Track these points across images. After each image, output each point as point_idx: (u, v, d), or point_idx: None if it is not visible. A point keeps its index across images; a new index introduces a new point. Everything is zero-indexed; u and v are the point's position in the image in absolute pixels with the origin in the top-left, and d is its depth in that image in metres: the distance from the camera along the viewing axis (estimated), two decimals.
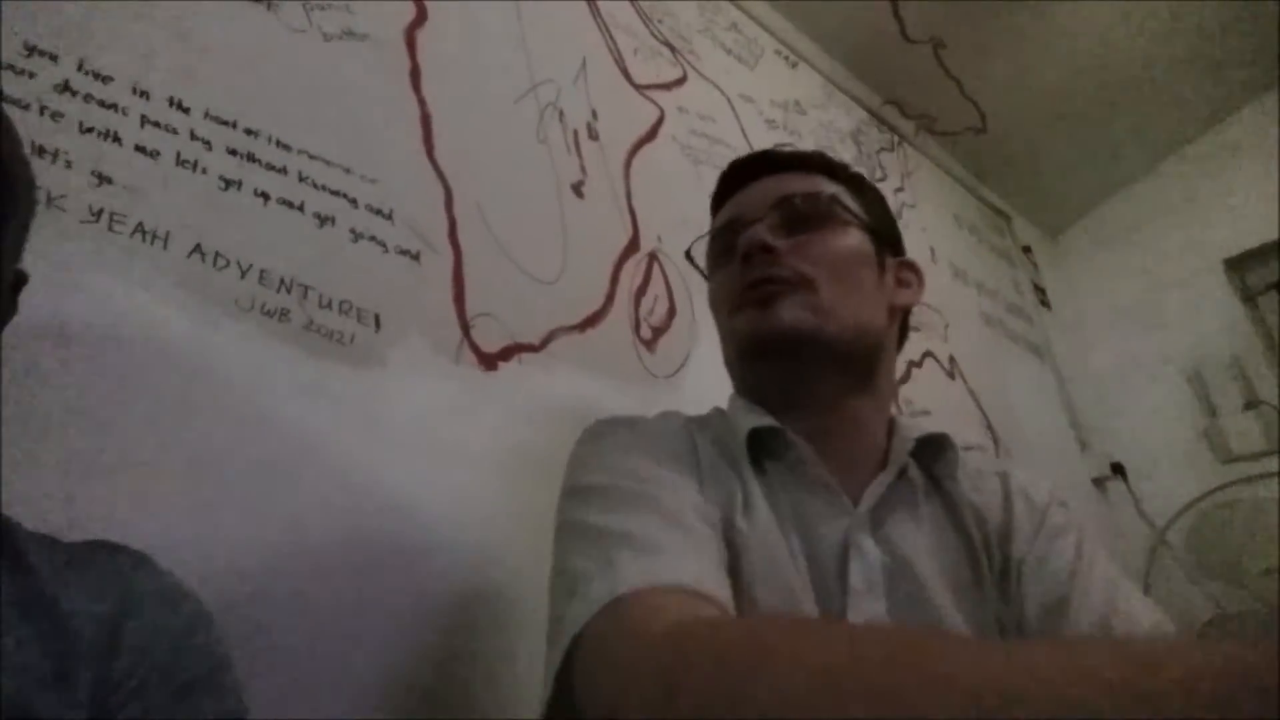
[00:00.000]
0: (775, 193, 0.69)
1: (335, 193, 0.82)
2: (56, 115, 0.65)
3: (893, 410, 0.71)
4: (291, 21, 0.86)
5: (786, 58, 1.77)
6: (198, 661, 0.46)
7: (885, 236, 0.72)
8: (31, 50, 0.66)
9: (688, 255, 0.78)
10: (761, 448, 0.62)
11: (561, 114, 1.14)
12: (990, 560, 0.62)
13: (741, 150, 1.46)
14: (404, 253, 0.86)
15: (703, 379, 1.14)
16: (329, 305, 0.77)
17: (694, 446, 0.62)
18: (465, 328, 0.88)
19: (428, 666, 0.71)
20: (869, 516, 0.59)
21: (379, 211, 0.85)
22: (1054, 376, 2.16)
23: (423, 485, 0.77)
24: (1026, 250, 2.38)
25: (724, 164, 1.38)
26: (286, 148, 0.80)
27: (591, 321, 1.03)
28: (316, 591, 0.67)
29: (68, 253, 0.62)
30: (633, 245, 1.15)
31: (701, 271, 0.77)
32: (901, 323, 0.73)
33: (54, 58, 0.67)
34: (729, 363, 0.72)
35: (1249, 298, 2.17)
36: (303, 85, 0.84)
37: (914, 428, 0.67)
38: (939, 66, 1.99)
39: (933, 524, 0.63)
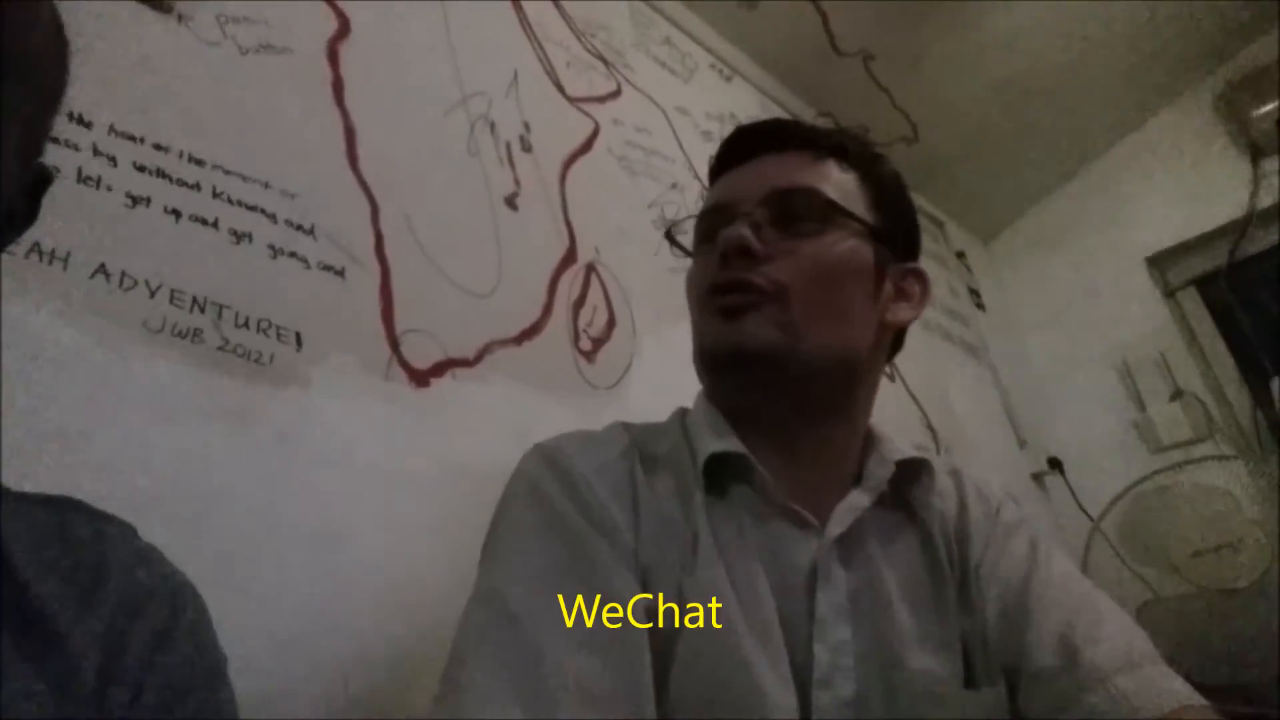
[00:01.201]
0: (770, 182, 0.61)
1: (252, 208, 0.79)
2: None
3: (870, 425, 0.66)
4: (204, 34, 0.83)
5: (721, 71, 1.79)
6: (201, 668, 0.43)
7: (893, 239, 0.64)
8: None
9: (668, 235, 0.72)
10: (724, 467, 0.58)
11: (493, 126, 1.13)
12: (951, 568, 0.60)
13: (679, 161, 1.47)
14: (327, 269, 0.83)
15: (645, 389, 1.13)
16: (245, 324, 0.74)
17: (634, 492, 0.56)
18: (394, 344, 0.85)
19: (364, 703, 0.69)
20: (837, 542, 0.56)
21: (300, 227, 0.82)
22: (991, 376, 2.21)
23: (350, 509, 0.74)
24: (960, 255, 2.44)
25: (661, 175, 1.41)
26: (200, 163, 0.77)
27: (528, 334, 1.01)
28: (239, 633, 0.64)
29: None
30: (570, 256, 1.14)
31: (685, 250, 0.69)
32: (895, 336, 0.67)
33: None
34: (695, 363, 0.65)
35: (1170, 293, 2.26)
36: (217, 99, 0.81)
37: (894, 449, 0.63)
38: (870, 79, 2.04)
39: (903, 547, 0.60)
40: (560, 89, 1.29)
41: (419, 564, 0.77)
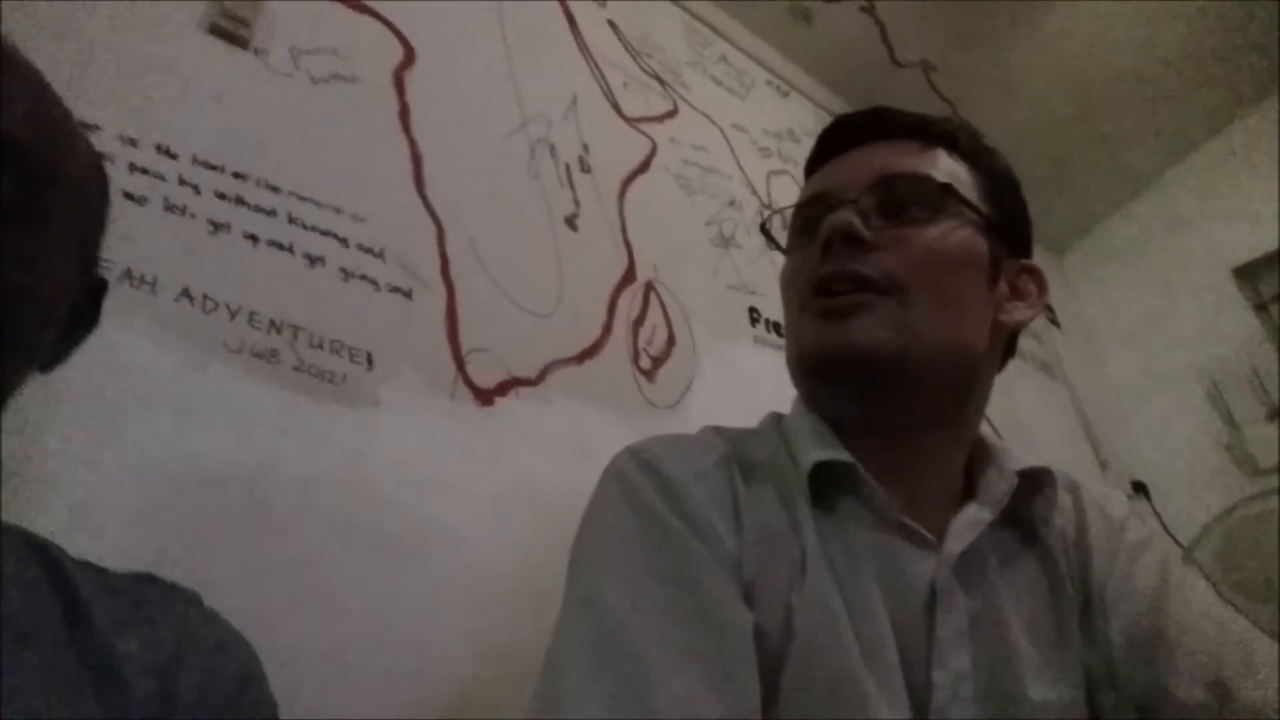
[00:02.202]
0: (876, 168, 0.57)
1: (325, 233, 0.82)
2: None
3: (983, 433, 0.61)
4: (279, 67, 0.87)
5: (778, 87, 1.78)
6: (251, 713, 0.45)
7: (1007, 233, 0.59)
8: None
9: (763, 229, 0.67)
10: (830, 477, 0.54)
11: (553, 149, 1.14)
12: (1073, 592, 0.56)
13: (736, 178, 1.47)
14: (396, 290, 0.85)
15: (706, 408, 1.12)
16: (320, 345, 0.76)
17: (734, 502, 0.53)
18: (460, 363, 0.87)
19: (423, 713, 0.69)
20: (958, 559, 0.52)
21: (370, 250, 0.85)
22: (1068, 396, 2.12)
23: (418, 525, 0.75)
24: None
25: (719, 192, 1.41)
26: (276, 190, 0.80)
27: (589, 353, 1.02)
28: (308, 638, 0.65)
29: None
30: (629, 275, 1.14)
31: (778, 246, 0.65)
32: (1009, 339, 0.62)
33: None
34: (791, 368, 0.60)
35: (1261, 306, 2.13)
36: (291, 128, 0.85)
37: (1013, 458, 0.58)
38: (931, 89, 2.00)
39: (1023, 567, 0.56)
40: (617, 110, 1.30)
41: (483, 579, 0.77)
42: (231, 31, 0.83)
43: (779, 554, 0.51)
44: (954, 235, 0.55)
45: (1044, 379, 2.07)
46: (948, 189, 0.56)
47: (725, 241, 1.35)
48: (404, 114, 0.96)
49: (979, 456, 0.59)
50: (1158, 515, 1.91)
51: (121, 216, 0.69)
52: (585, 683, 0.42)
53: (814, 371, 0.57)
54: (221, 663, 0.45)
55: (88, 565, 0.44)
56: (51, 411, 0.59)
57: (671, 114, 1.41)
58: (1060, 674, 0.52)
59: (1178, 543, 1.77)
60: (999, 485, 0.56)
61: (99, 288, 0.48)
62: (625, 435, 0.99)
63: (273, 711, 0.47)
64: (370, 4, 0.99)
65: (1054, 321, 2.27)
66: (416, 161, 0.94)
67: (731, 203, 1.42)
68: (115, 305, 0.65)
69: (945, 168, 0.58)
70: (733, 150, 1.50)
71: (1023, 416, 1.84)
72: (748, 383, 1.20)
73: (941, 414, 0.56)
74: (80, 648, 0.39)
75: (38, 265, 0.39)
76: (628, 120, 1.31)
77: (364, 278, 0.83)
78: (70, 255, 0.42)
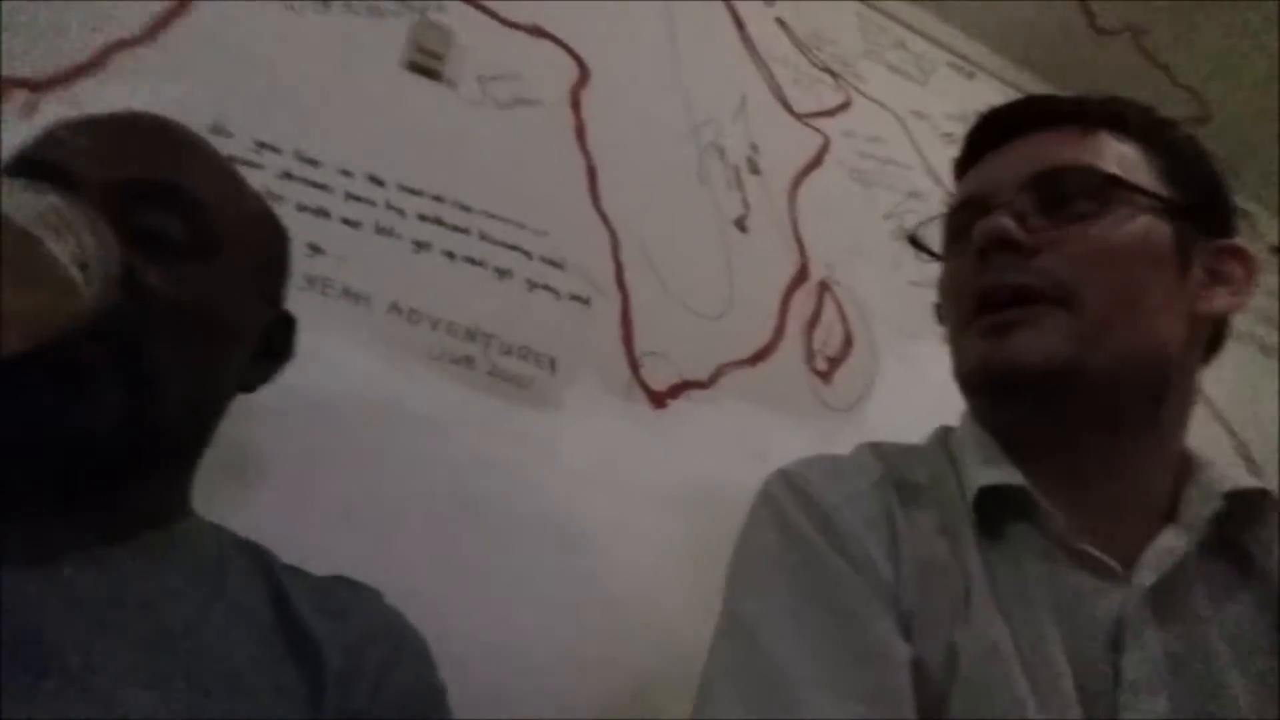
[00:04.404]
0: (1034, 164, 0.52)
1: (512, 247, 0.88)
2: (279, 199, 0.75)
3: (1187, 448, 0.54)
4: (469, 95, 0.94)
5: (961, 69, 1.66)
6: (425, 694, 0.51)
7: (1197, 213, 0.52)
8: (261, 145, 0.78)
9: (911, 239, 0.63)
10: (999, 501, 0.49)
11: (722, 152, 1.14)
12: None
13: (917, 168, 1.39)
14: (575, 298, 0.89)
15: (888, 411, 1.07)
16: (509, 351, 0.82)
17: (891, 527, 0.50)
18: (635, 367, 0.89)
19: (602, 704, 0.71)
20: (1150, 592, 0.46)
21: (551, 262, 0.90)
22: None
23: (600, 522, 0.78)
24: (1277, 250, 2.03)
25: (898, 184, 1.34)
26: (468, 210, 0.87)
27: (761, 355, 1.00)
28: (499, 629, 0.70)
29: None
30: (801, 275, 1.11)
31: (931, 254, 0.61)
32: (1214, 329, 0.55)
33: (277, 150, 0.78)
34: (958, 382, 0.57)
35: None
36: (480, 152, 0.91)
37: (1221, 477, 0.51)
38: (1141, 55, 1.78)
39: (1237, 602, 0.48)
40: (787, 106, 1.27)
41: (658, 578, 0.79)
42: (426, 66, 0.91)
43: (941, 585, 0.47)
44: (1127, 226, 0.50)
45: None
46: (1114, 179, 0.50)
47: (907, 231, 1.28)
48: (580, 131, 1.00)
49: (1184, 474, 0.52)
50: None
51: (341, 240, 0.78)
52: (737, 710, 0.42)
53: (978, 390, 0.54)
54: (399, 646, 0.50)
55: (288, 566, 0.51)
56: (279, 416, 0.67)
57: (844, 106, 1.36)
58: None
59: None
60: (1200, 508, 0.49)
61: (288, 322, 0.55)
62: (801, 437, 0.97)
63: (442, 696, 0.52)
64: (546, 28, 1.04)
65: None
66: (592, 175, 0.98)
67: (913, 193, 1.35)
68: (338, 320, 0.74)
69: (1113, 152, 0.52)
70: (912, 139, 1.42)
71: (1270, 419, 1.58)
72: (935, 384, 1.12)
73: (1132, 422, 0.50)
74: (284, 626, 0.45)
75: (210, 291, 0.45)
76: (798, 116, 1.28)
77: (546, 287, 0.88)
78: (243, 286, 0.49)
